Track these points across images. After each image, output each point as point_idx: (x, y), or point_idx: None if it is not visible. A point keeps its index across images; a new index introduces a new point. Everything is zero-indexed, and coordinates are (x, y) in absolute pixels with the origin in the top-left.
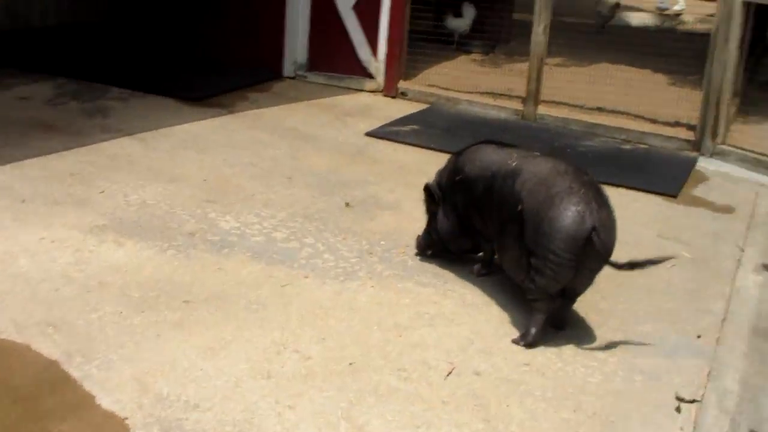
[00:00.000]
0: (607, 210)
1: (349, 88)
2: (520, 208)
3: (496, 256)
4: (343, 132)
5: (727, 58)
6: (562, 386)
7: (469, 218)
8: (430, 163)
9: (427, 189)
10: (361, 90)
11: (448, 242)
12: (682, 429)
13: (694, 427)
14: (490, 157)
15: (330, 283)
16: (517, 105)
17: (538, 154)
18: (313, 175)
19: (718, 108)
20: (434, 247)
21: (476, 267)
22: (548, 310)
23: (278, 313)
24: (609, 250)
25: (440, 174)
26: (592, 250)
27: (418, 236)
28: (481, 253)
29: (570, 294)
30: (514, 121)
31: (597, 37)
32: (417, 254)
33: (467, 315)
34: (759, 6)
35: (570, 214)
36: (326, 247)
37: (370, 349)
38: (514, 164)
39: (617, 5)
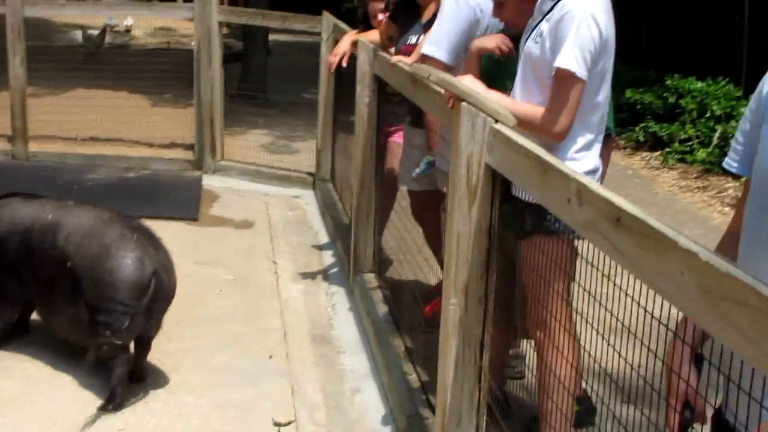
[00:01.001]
0: (163, 251)
1: None
2: (69, 264)
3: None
4: None
5: (213, 77)
6: None
7: None
8: None
9: None
10: None
11: None
12: None
13: None
14: (20, 212)
15: None
16: (4, 144)
17: (73, 202)
18: None
19: (212, 125)
20: None
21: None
22: (127, 363)
23: None
24: (173, 290)
25: None
26: (158, 293)
27: None
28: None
29: (143, 341)
30: (6, 163)
31: (73, 64)
32: None
33: (39, 393)
34: None
35: (129, 262)
36: None
37: None
38: (50, 216)
39: (104, 29)
